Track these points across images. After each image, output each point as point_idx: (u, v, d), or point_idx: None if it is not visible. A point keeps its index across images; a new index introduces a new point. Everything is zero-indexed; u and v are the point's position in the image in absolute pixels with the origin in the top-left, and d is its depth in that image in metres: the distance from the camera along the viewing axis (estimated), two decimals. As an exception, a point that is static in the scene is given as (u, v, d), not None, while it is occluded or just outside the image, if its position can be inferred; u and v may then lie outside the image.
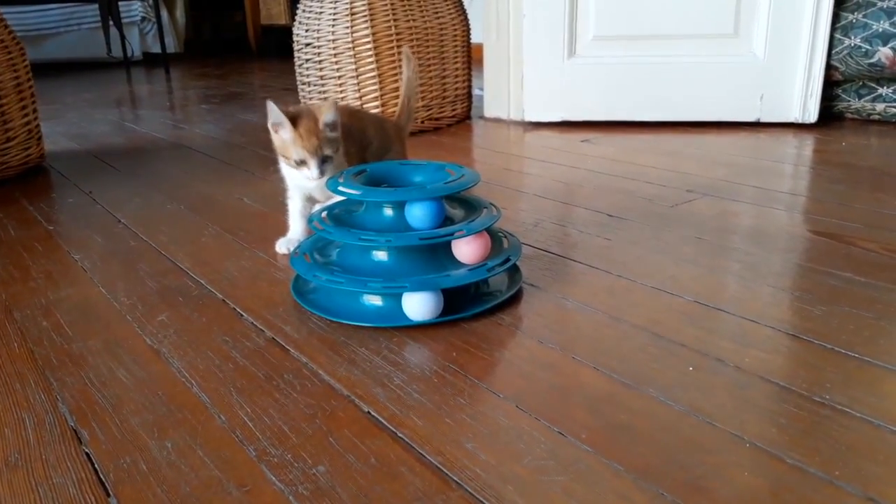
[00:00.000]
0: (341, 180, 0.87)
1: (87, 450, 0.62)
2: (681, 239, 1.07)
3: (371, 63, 1.86)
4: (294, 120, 0.93)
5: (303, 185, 1.01)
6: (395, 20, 1.86)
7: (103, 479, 0.58)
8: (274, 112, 0.92)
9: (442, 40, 1.97)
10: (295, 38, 2.00)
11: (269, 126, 0.95)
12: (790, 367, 0.70)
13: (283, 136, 0.94)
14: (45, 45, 4.29)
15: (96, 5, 3.89)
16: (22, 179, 1.60)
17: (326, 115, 0.93)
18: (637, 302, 0.86)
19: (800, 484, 0.54)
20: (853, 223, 1.10)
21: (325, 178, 0.94)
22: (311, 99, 1.99)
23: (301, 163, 0.94)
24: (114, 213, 1.31)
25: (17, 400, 0.70)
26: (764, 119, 1.85)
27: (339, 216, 0.88)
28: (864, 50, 1.75)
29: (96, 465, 0.59)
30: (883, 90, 1.82)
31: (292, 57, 2.06)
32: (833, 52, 1.79)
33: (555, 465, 0.57)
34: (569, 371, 0.71)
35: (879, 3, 1.73)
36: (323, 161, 0.94)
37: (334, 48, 1.88)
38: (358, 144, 1.05)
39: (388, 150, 1.11)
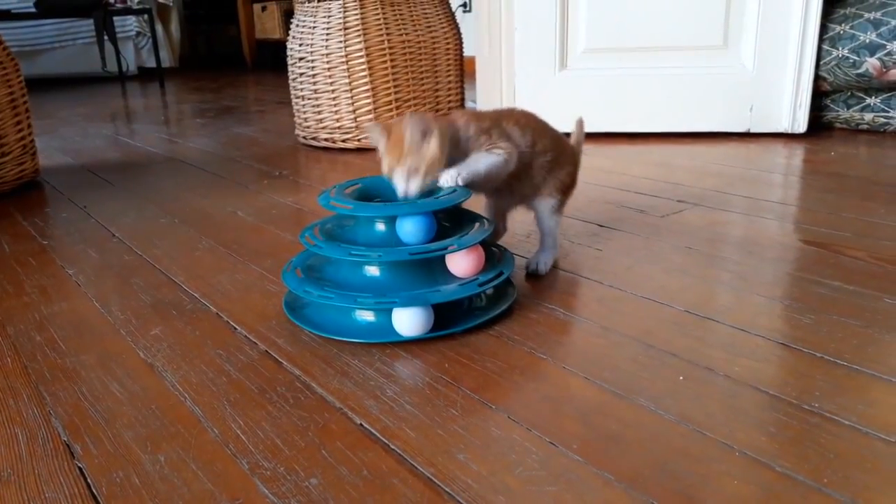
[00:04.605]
0: (333, 195, 0.87)
1: (79, 464, 0.62)
2: (671, 249, 1.07)
3: (364, 77, 1.88)
4: (388, 133, 0.88)
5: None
6: (387, 34, 1.88)
7: (96, 493, 0.58)
8: (371, 130, 0.90)
9: (435, 54, 1.98)
10: (289, 53, 2.01)
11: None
12: (780, 375, 0.71)
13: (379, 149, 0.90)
14: (40, 60, 4.32)
15: (91, 20, 3.90)
16: (16, 194, 1.60)
17: (408, 131, 0.84)
18: (628, 312, 0.86)
19: (789, 492, 0.54)
20: (842, 232, 1.11)
21: (414, 192, 0.86)
22: (305, 112, 2.00)
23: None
24: (108, 228, 1.31)
25: (10, 415, 0.70)
26: (754, 129, 1.87)
27: (331, 231, 0.89)
28: (851, 61, 1.77)
29: (89, 480, 0.60)
30: (871, 100, 1.84)
31: (286, 71, 2.07)
32: (821, 62, 1.81)
33: (546, 475, 0.57)
34: (560, 381, 0.71)
35: (866, 15, 1.76)
36: (410, 175, 0.86)
37: (328, 62, 1.89)
38: (528, 150, 0.96)
39: (561, 167, 1.01)
